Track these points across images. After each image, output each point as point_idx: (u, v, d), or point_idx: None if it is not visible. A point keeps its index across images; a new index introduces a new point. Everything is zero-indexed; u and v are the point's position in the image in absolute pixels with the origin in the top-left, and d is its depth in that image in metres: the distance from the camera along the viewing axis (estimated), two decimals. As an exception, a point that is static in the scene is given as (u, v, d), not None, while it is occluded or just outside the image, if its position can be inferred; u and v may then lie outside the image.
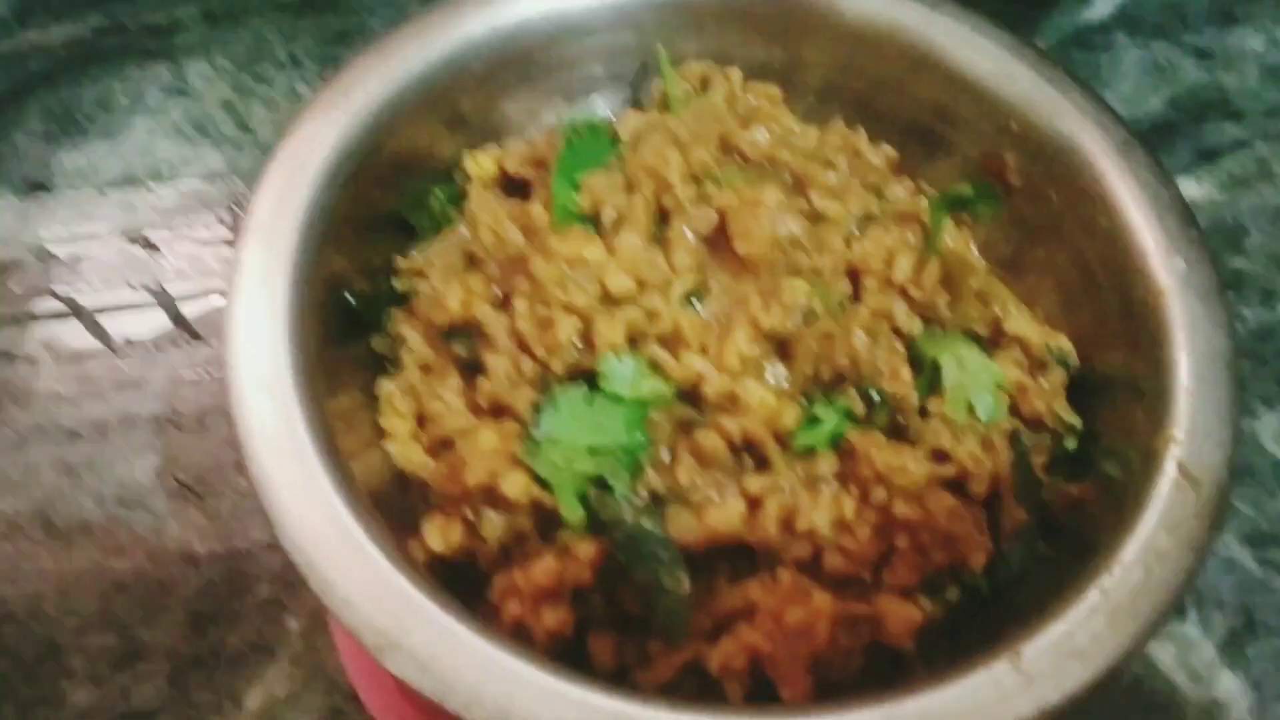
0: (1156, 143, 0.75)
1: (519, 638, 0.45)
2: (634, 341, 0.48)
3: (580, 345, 0.48)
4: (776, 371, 0.48)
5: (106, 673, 0.57)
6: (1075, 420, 0.50)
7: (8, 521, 0.60)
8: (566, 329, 0.47)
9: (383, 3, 0.76)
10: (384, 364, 0.53)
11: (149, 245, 0.70)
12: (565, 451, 0.46)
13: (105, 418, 0.64)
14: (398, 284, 0.54)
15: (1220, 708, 0.60)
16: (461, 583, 0.47)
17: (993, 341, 0.53)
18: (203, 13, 0.78)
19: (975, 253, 0.55)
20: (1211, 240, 0.61)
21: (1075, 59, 0.78)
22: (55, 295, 0.68)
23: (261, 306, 0.47)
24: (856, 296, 0.51)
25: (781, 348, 0.48)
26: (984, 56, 0.56)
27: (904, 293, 0.51)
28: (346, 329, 0.52)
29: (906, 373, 0.48)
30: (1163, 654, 0.61)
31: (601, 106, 0.61)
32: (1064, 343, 0.52)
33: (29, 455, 0.62)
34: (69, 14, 0.74)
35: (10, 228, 0.69)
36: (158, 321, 0.67)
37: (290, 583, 0.59)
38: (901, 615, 0.46)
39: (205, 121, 0.75)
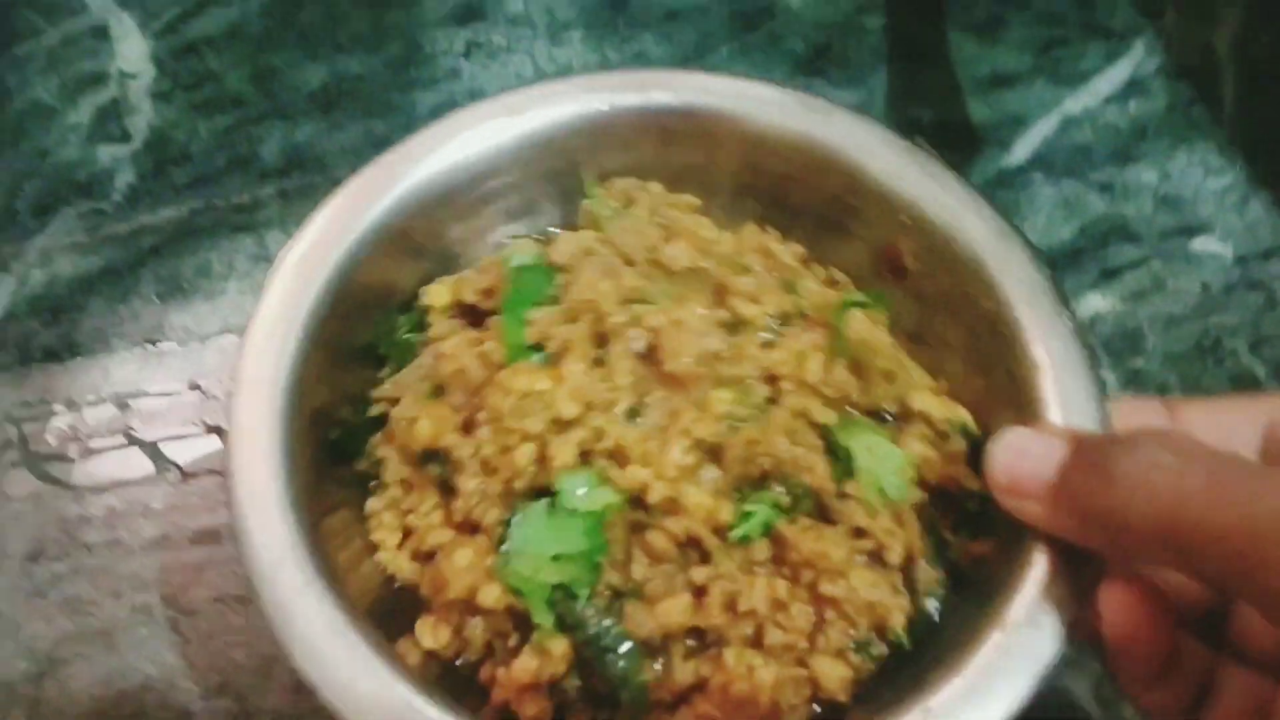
0: (1068, 265, 0.87)
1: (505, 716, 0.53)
2: (585, 457, 0.54)
3: (538, 466, 0.54)
4: (711, 474, 0.55)
5: (228, 730, 0.68)
6: (975, 485, 0.56)
7: (146, 611, 0.70)
8: (524, 454, 0.54)
9: None
10: (369, 483, 0.60)
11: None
12: (532, 562, 0.52)
13: (215, 526, 0.73)
14: (375, 412, 0.61)
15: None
16: (451, 674, 0.55)
17: (901, 417, 0.59)
18: (279, 192, 0.86)
19: (883, 332, 0.62)
20: (1115, 344, 0.76)
21: (998, 196, 0.85)
22: (182, 423, 0.77)
23: (258, 442, 0.54)
24: (774, 398, 0.57)
25: (713, 453, 0.55)
26: (878, 158, 0.63)
27: (816, 390, 0.57)
28: (334, 455, 0.59)
29: (823, 466, 0.55)
30: (1078, 687, 0.70)
31: (543, 220, 0.68)
32: (964, 415, 0.59)
33: (159, 558, 0.72)
34: (172, 199, 0.82)
35: (133, 376, 0.78)
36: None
37: None
38: (834, 675, 0.53)
39: None
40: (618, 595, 0.54)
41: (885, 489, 0.55)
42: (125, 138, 0.85)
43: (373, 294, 0.62)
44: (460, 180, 0.64)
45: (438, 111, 0.68)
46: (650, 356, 0.58)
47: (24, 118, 0.85)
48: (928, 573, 0.56)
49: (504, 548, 0.54)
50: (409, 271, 0.64)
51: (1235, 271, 0.88)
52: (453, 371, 0.58)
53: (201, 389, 0.79)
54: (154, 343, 0.79)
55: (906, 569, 0.56)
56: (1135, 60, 0.99)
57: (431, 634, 0.55)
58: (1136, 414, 0.55)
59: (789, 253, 0.65)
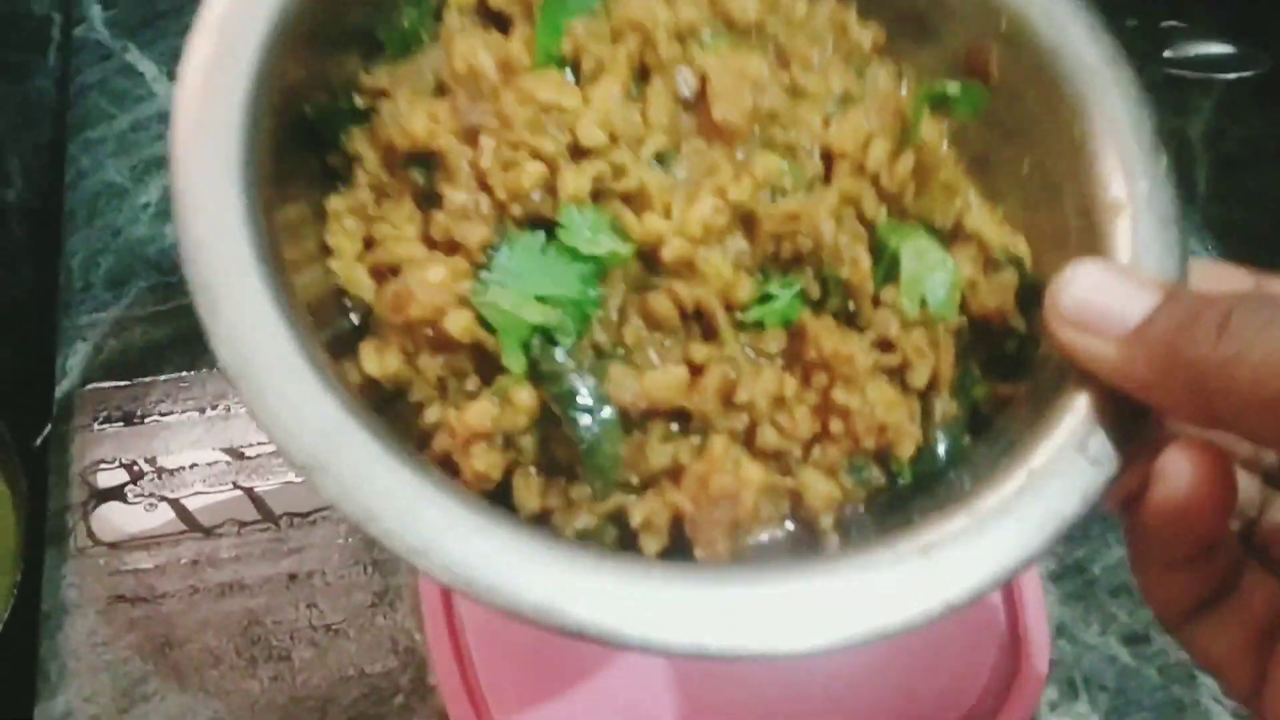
0: None
1: (445, 470, 0.45)
2: (598, 195, 0.47)
3: (542, 192, 0.47)
4: (737, 244, 0.48)
5: (290, 763, 0.77)
6: (1020, 324, 0.50)
7: (214, 654, 0.78)
8: (531, 175, 0.46)
9: None
10: (336, 180, 0.52)
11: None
12: (514, 297, 0.45)
13: (275, 574, 0.81)
14: (359, 101, 0.52)
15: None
16: (392, 409, 0.47)
17: (951, 236, 0.52)
18: None
19: (946, 145, 0.54)
20: None
21: None
22: (237, 486, 0.84)
23: (215, 104, 0.45)
24: (828, 178, 0.50)
25: (745, 221, 0.48)
26: None
27: (875, 180, 0.50)
28: (301, 140, 0.51)
29: (866, 261, 0.48)
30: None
31: None
32: (1020, 245, 0.52)
33: (225, 604, 0.80)
34: None
35: (201, 437, 0.85)
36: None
37: (418, 692, 0.79)
38: (822, 491, 0.47)
39: None
40: (602, 356, 0.46)
41: (928, 300, 0.49)
42: None
43: None
44: None
45: None
46: (695, 105, 0.50)
47: (97, 197, 0.90)
48: (948, 405, 0.49)
49: (484, 274, 0.46)
50: None
51: None
52: (464, 69, 0.49)
53: (261, 453, 0.86)
54: (218, 409, 0.86)
55: (926, 397, 0.49)
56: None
57: (377, 358, 0.47)
58: (1219, 279, 0.48)
59: (867, 36, 0.56)
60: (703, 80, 0.49)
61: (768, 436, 0.46)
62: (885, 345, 0.48)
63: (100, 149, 0.92)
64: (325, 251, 0.50)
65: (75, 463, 0.82)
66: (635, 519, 0.45)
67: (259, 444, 0.85)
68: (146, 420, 0.84)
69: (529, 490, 0.46)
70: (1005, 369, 0.51)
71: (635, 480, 0.46)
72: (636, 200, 0.47)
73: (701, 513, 0.45)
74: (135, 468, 0.83)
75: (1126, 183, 0.49)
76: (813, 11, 0.55)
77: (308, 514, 0.84)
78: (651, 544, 0.45)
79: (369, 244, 0.50)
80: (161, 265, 0.89)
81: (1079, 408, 0.45)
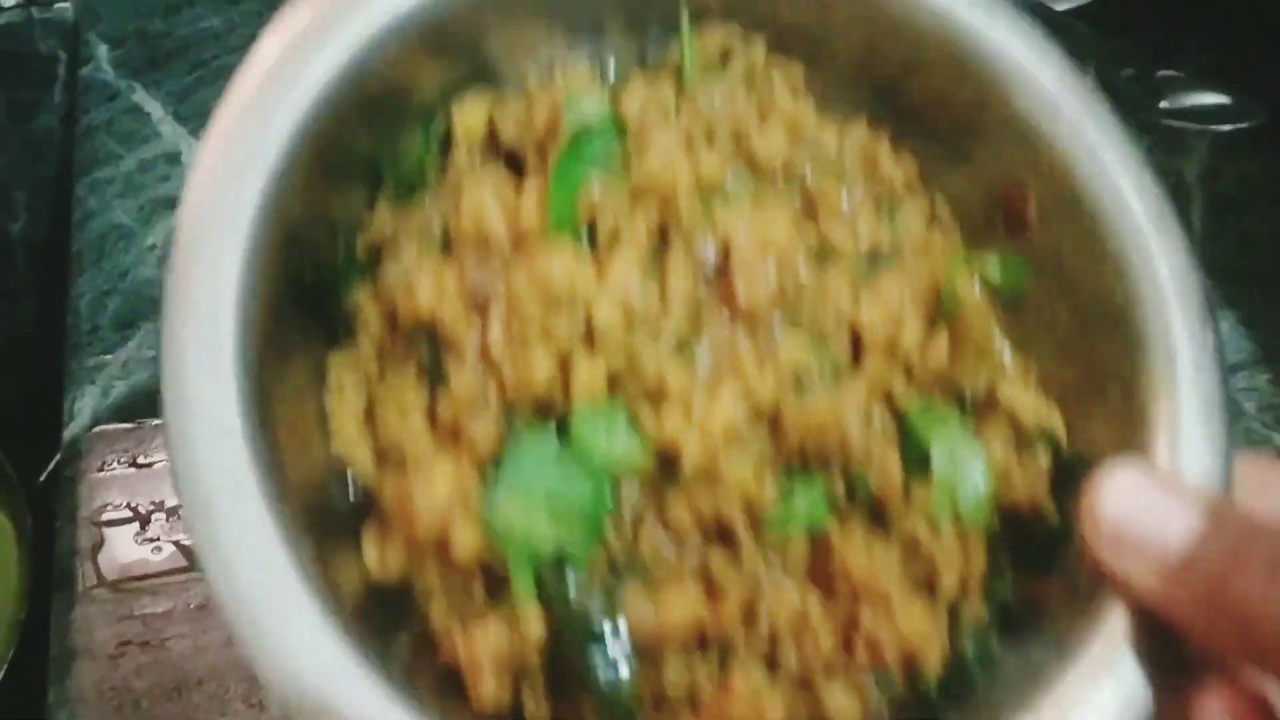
0: None
1: (450, 682, 0.42)
2: (613, 384, 0.44)
3: (555, 381, 0.43)
4: (760, 446, 0.44)
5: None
6: (1053, 515, 0.47)
7: (223, 700, 0.75)
8: (542, 363, 0.43)
9: None
10: (337, 334, 0.49)
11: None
12: (523, 511, 0.42)
13: None
14: (361, 248, 0.49)
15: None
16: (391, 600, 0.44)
17: (981, 406, 0.49)
18: None
19: (978, 290, 0.50)
20: None
21: None
22: None
23: (210, 256, 0.42)
24: (856, 358, 0.47)
25: (769, 417, 0.45)
26: (1030, 78, 0.50)
27: (907, 364, 0.47)
28: (301, 298, 0.47)
29: (896, 465, 0.45)
30: None
31: (608, 47, 0.54)
32: (1055, 420, 0.48)
33: (232, 651, 0.76)
34: None
35: None
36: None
37: None
38: (846, 712, 0.44)
39: None
40: (614, 570, 0.43)
41: (960, 505, 0.45)
42: None
43: (383, 94, 0.48)
44: None
45: None
46: (717, 274, 0.46)
47: (104, 238, 0.90)
48: (977, 610, 0.46)
49: (492, 483, 0.43)
50: (433, 75, 0.50)
51: None
52: (473, 227, 0.46)
53: None
54: None
55: (954, 602, 0.46)
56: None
57: (379, 553, 0.44)
58: (1265, 485, 0.45)
59: (900, 171, 0.52)
60: (725, 247, 0.46)
61: (790, 660, 0.43)
62: (912, 549, 0.45)
63: (107, 190, 0.91)
64: (324, 418, 0.47)
65: (83, 506, 0.81)
66: None
67: None
68: (154, 464, 0.83)
69: (538, 708, 0.43)
70: (1037, 563, 0.47)
71: (647, 702, 0.43)
72: (656, 395, 0.44)
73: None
74: (143, 511, 0.82)
75: (1171, 361, 0.46)
76: (843, 146, 0.52)
77: None
78: None
79: (370, 412, 0.47)
80: None
81: (1113, 629, 0.42)
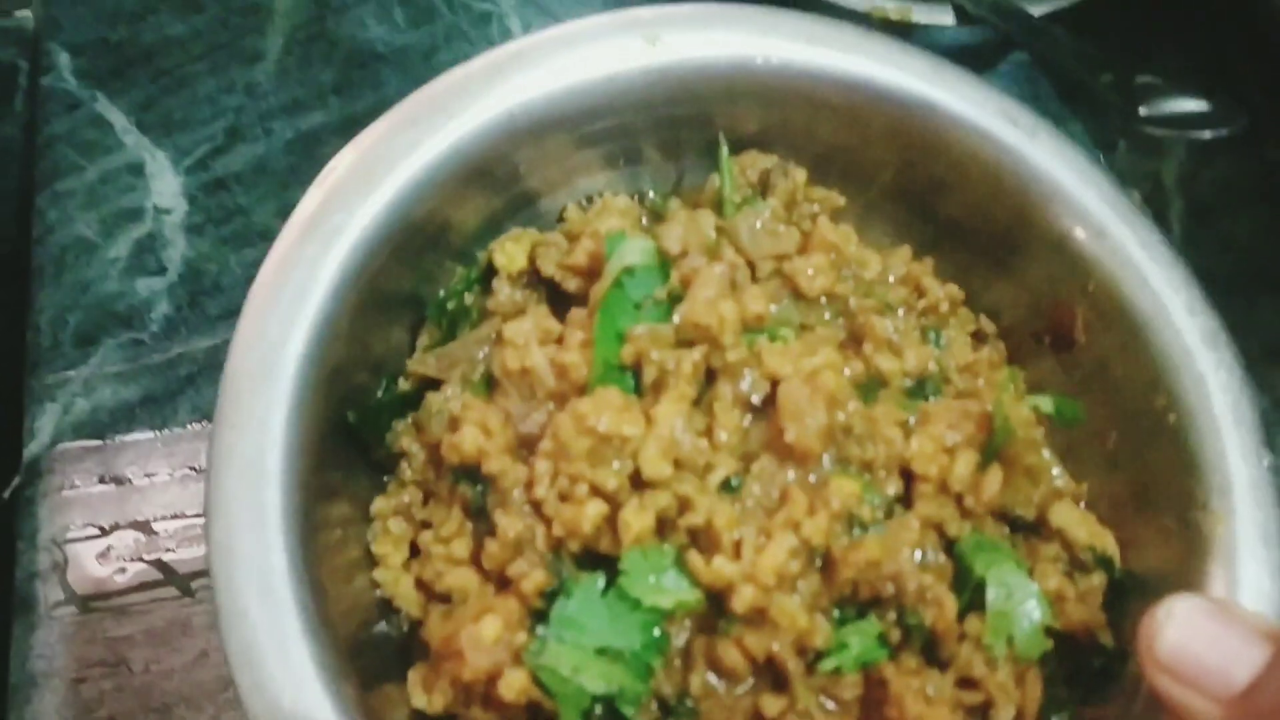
0: None
1: None
2: (662, 527, 0.43)
3: (602, 528, 0.43)
4: (811, 584, 0.44)
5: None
6: (1109, 639, 0.47)
7: None
8: (590, 513, 0.43)
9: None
10: (378, 472, 0.50)
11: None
12: (573, 658, 0.42)
13: None
14: (404, 385, 0.50)
15: None
16: None
17: (1034, 530, 0.49)
18: None
19: (1027, 411, 0.49)
20: None
21: None
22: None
23: (257, 397, 0.43)
24: (908, 497, 0.46)
25: (821, 561, 0.44)
26: (1075, 201, 0.50)
27: (959, 500, 0.46)
28: (343, 436, 0.48)
29: (951, 606, 0.44)
30: None
31: (646, 177, 0.55)
32: (1110, 545, 0.48)
33: (202, 671, 0.73)
34: (206, 329, 0.85)
35: (173, 501, 0.80)
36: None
37: None
38: None
39: None
40: (666, 710, 0.43)
41: (1015, 639, 0.45)
42: (161, 270, 0.87)
43: (426, 231, 0.50)
44: (562, 110, 0.51)
45: None
46: (765, 411, 0.46)
47: (66, 251, 0.87)
48: (1034, 741, 0.45)
49: (540, 630, 0.43)
50: (474, 209, 0.52)
51: None
52: (517, 370, 0.46)
53: None
54: (192, 469, 0.81)
55: (1007, 726, 0.45)
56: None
57: (424, 693, 0.44)
58: None
59: (946, 295, 0.53)
60: (773, 383, 0.46)
61: None
62: (968, 683, 0.45)
63: (69, 202, 0.90)
64: (370, 559, 0.48)
65: (45, 527, 0.78)
66: None
67: None
68: (119, 482, 0.80)
69: None
70: (1092, 686, 0.47)
71: None
72: (705, 539, 0.43)
73: None
74: (107, 531, 0.78)
75: (1225, 489, 0.45)
76: (886, 267, 0.52)
77: None
78: None
79: (415, 549, 0.47)
80: (131, 322, 0.84)
81: None
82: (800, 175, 0.53)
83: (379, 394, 0.50)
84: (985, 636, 0.44)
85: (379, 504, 0.48)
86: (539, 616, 0.43)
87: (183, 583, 0.76)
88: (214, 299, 0.85)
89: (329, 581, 0.44)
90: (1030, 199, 0.51)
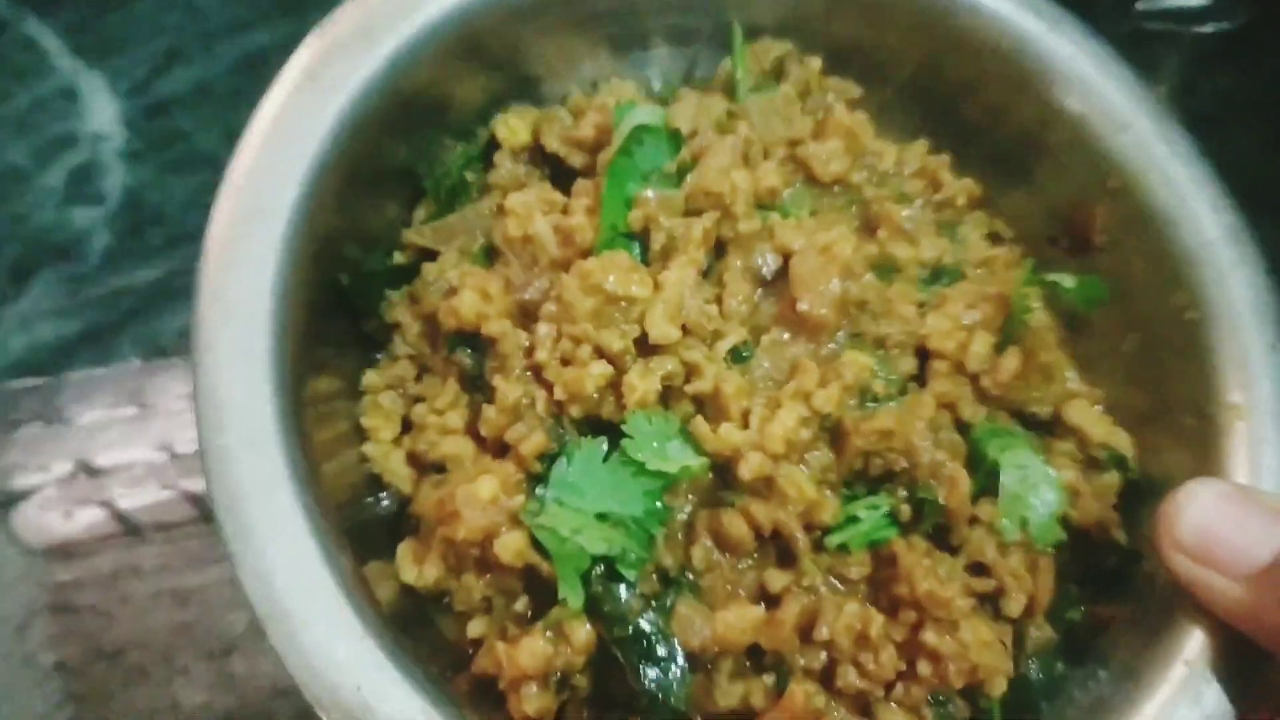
0: None
1: (484, 692, 0.41)
2: (668, 396, 0.42)
3: (606, 392, 0.42)
4: (821, 457, 0.43)
5: (224, 785, 0.68)
6: (1123, 537, 0.46)
7: (139, 671, 0.70)
8: (594, 374, 0.41)
9: None
10: (370, 346, 0.48)
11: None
12: (573, 519, 0.40)
13: (202, 585, 0.73)
14: (400, 257, 0.48)
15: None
16: (424, 616, 0.44)
17: (1050, 427, 0.48)
18: None
19: (1044, 311, 0.49)
20: None
21: None
22: (167, 485, 0.75)
23: (245, 265, 0.41)
24: (922, 377, 0.45)
25: (832, 434, 0.43)
26: (1099, 95, 0.50)
27: (976, 380, 0.45)
28: (336, 307, 0.46)
29: (965, 483, 0.43)
30: None
31: (654, 66, 0.54)
32: (1125, 442, 0.47)
33: (154, 615, 0.71)
34: (149, 260, 0.82)
35: (117, 439, 0.77)
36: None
37: None
38: (906, 735, 0.42)
39: None
40: (668, 582, 0.42)
41: (1029, 523, 0.44)
42: (100, 200, 0.85)
43: (421, 104, 0.48)
44: None
45: None
46: (777, 284, 0.45)
47: None
48: (1044, 632, 0.45)
49: (540, 490, 0.41)
50: (473, 87, 0.50)
51: None
52: (520, 236, 0.45)
53: (182, 453, 0.77)
54: (137, 406, 0.79)
55: (1020, 622, 0.44)
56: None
57: (415, 566, 0.43)
58: None
59: (962, 189, 0.52)
60: (785, 257, 0.45)
61: (849, 677, 0.42)
62: (978, 567, 0.44)
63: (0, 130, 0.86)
64: (360, 433, 0.46)
65: None
66: None
67: (190, 442, 0.75)
68: (60, 422, 0.78)
69: None
70: (1105, 585, 0.46)
71: (699, 716, 0.42)
72: (710, 405, 0.42)
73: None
74: (51, 471, 0.76)
75: (1246, 383, 0.45)
76: (902, 160, 0.51)
77: None
78: None
79: (407, 425, 0.46)
80: (69, 254, 0.82)
81: (1192, 649, 0.41)
82: (815, 63, 0.52)
83: (374, 266, 0.48)
84: (998, 520, 0.43)
85: (370, 377, 0.47)
86: (537, 481, 0.42)
87: (132, 525, 0.74)
88: (157, 228, 0.83)
89: (320, 453, 0.42)
90: (1052, 92, 0.50)
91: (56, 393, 0.78)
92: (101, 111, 0.87)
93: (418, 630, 0.42)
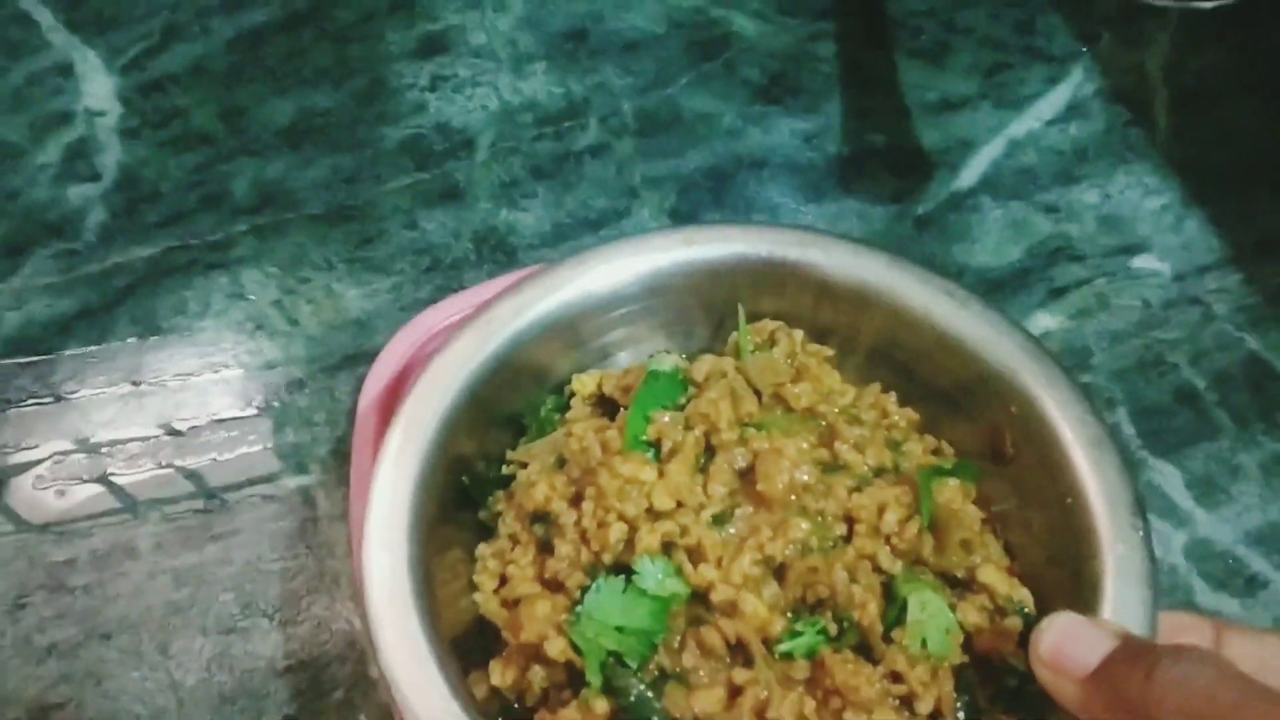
0: (1017, 285, 0.92)
1: None
2: (667, 548, 0.61)
3: (625, 545, 0.62)
4: (771, 590, 0.61)
5: (223, 768, 0.71)
6: (1019, 664, 0.61)
7: (134, 652, 0.72)
8: (616, 531, 0.61)
9: (394, 209, 0.86)
10: (485, 532, 0.69)
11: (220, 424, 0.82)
12: (597, 627, 0.60)
13: (199, 564, 0.76)
14: (506, 470, 0.69)
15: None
16: (509, 715, 0.62)
17: (966, 585, 0.64)
18: (252, 228, 0.89)
19: (973, 508, 0.66)
20: (1064, 359, 0.77)
21: (950, 220, 0.93)
22: (163, 465, 0.80)
23: (396, 476, 0.63)
24: (849, 538, 0.63)
25: (779, 571, 0.61)
26: (997, 349, 0.69)
27: (889, 540, 0.63)
28: (461, 500, 0.68)
29: (874, 607, 0.60)
30: None
31: (695, 343, 0.76)
32: (1026, 597, 0.63)
33: (147, 596, 0.74)
34: (145, 238, 0.85)
35: (112, 417, 0.80)
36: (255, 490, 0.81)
37: (360, 685, 0.74)
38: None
39: (261, 319, 0.86)
40: (664, 676, 0.60)
41: (929, 643, 0.60)
42: (95, 177, 0.85)
43: (530, 372, 0.71)
44: (632, 292, 0.73)
45: (405, 146, 0.78)
46: (748, 475, 0.64)
47: None
48: (954, 733, 0.60)
49: (577, 609, 0.61)
50: (566, 360, 0.73)
51: (1174, 288, 0.93)
52: (577, 449, 0.66)
53: (179, 431, 0.81)
54: (133, 384, 0.80)
55: (933, 722, 0.60)
56: (1074, 84, 1.03)
57: (501, 673, 0.62)
58: (1183, 631, 0.60)
59: (904, 417, 0.71)
60: (754, 457, 0.65)
61: None
62: (895, 677, 0.60)
63: None
64: (472, 588, 0.66)
65: None
66: None
67: (187, 420, 0.80)
68: (55, 399, 0.78)
69: None
70: (1009, 702, 0.62)
71: None
72: (695, 553, 0.61)
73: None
74: (44, 451, 0.77)
75: (1113, 551, 0.61)
76: (859, 398, 0.71)
77: (236, 489, 0.78)
78: None
79: (503, 581, 0.66)
80: (63, 231, 0.83)
81: None
82: (799, 334, 0.73)
83: (488, 475, 0.70)
84: (905, 639, 0.60)
85: (481, 548, 0.67)
86: (577, 605, 0.61)
87: (128, 503, 0.76)
88: (152, 206, 0.85)
89: (441, 600, 0.62)
90: (966, 351, 0.69)
91: (52, 370, 0.79)
92: (97, 87, 0.88)
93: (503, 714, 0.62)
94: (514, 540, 0.67)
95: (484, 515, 0.69)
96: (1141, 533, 0.62)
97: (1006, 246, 0.95)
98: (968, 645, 0.62)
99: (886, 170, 0.96)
